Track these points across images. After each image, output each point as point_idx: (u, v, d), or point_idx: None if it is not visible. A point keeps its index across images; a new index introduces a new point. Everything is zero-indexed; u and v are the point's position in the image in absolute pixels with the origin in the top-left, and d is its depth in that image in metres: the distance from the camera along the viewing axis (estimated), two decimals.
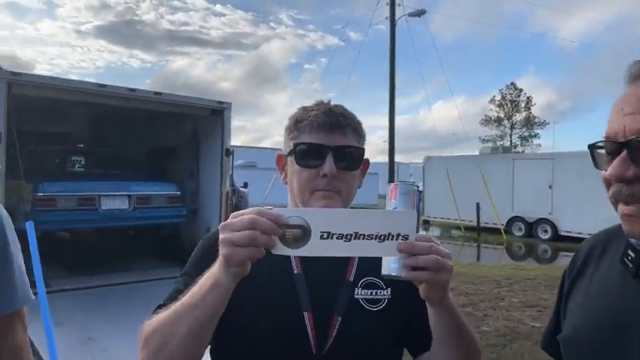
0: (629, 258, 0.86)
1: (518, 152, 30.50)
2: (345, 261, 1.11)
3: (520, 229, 16.46)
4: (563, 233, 15.19)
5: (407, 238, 0.84)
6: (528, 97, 49.80)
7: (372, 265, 1.07)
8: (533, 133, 49.71)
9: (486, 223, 16.77)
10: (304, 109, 1.14)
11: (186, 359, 0.91)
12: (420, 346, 1.12)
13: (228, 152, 5.77)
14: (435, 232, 17.98)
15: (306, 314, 1.03)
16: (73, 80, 5.12)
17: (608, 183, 0.83)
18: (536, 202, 15.77)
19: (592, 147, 0.85)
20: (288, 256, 1.07)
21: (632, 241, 0.87)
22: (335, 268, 1.08)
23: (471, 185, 16.39)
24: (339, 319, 1.03)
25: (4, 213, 1.22)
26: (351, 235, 0.84)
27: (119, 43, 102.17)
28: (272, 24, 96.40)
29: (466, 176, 16.90)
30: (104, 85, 4.95)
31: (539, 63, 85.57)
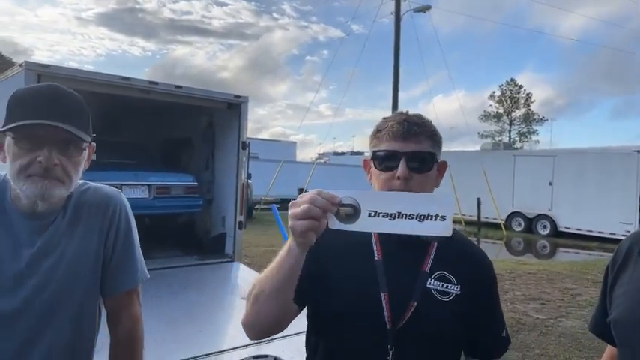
0: None
1: (518, 149, 30.67)
2: (423, 253, 1.25)
3: (520, 225, 16.71)
4: (562, 229, 15.46)
5: (444, 219, 0.96)
6: (528, 94, 49.85)
7: (446, 258, 1.25)
8: (531, 130, 49.87)
9: (487, 218, 17.05)
10: (385, 119, 1.29)
11: (273, 310, 1.13)
12: (473, 351, 1.30)
13: (245, 145, 5.90)
14: None
15: (383, 295, 1.18)
16: (99, 73, 5.19)
17: None
18: (535, 199, 16.01)
19: None
20: (372, 245, 1.25)
21: None
22: (412, 258, 1.24)
23: (472, 181, 16.57)
24: (415, 304, 1.18)
25: (126, 201, 1.39)
26: (395, 214, 0.97)
27: (120, 30, 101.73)
28: (275, 14, 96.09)
29: (467, 172, 16.98)
30: (128, 78, 5.07)
31: (538, 59, 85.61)
